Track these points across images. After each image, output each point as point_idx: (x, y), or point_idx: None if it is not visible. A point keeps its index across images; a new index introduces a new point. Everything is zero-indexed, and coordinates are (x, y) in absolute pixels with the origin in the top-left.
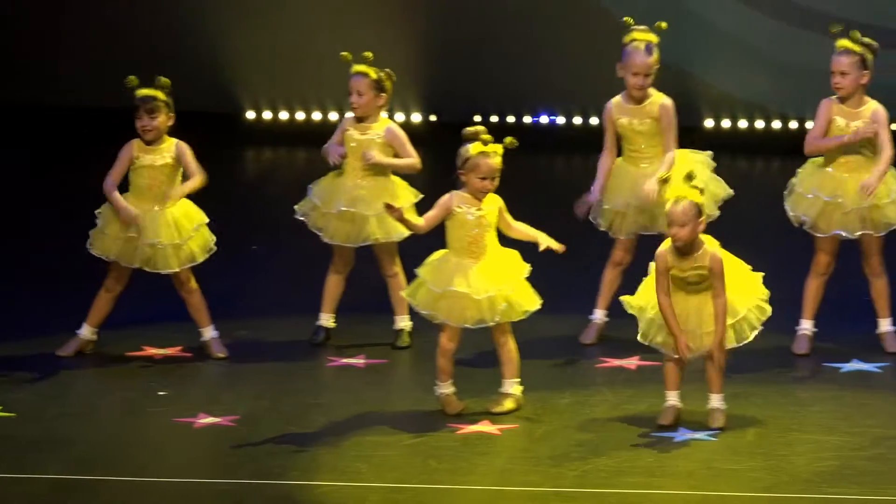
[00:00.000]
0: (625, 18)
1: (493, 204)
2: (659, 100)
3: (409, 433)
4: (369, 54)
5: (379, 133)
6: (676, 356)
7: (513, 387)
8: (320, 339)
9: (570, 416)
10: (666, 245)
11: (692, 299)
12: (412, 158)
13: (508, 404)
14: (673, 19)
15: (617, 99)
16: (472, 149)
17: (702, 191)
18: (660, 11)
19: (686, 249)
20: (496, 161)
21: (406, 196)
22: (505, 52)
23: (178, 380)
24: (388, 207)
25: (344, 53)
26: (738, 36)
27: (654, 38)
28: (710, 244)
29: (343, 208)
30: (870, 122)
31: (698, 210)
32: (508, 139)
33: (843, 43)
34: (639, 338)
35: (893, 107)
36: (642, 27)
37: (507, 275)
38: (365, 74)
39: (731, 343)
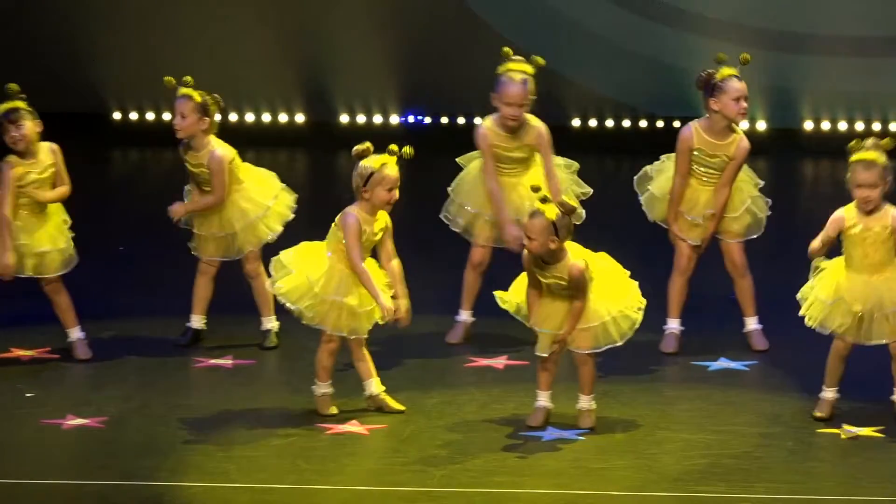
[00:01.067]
0: (504, 49)
1: (384, 220)
2: (534, 128)
3: (277, 434)
4: (189, 78)
5: (202, 162)
6: (546, 355)
7: (376, 386)
8: (188, 341)
9: (438, 415)
10: None
11: (559, 302)
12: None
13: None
14: (540, 18)
15: (490, 124)
16: (375, 163)
17: (572, 209)
18: (528, 11)
19: (546, 259)
20: (396, 169)
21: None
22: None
23: (45, 381)
24: None
25: (167, 78)
26: (606, 35)
27: (529, 69)
28: (575, 255)
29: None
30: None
31: (552, 226)
32: (406, 148)
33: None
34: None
35: (782, 110)
36: (519, 58)
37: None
38: (189, 97)
39: (592, 344)
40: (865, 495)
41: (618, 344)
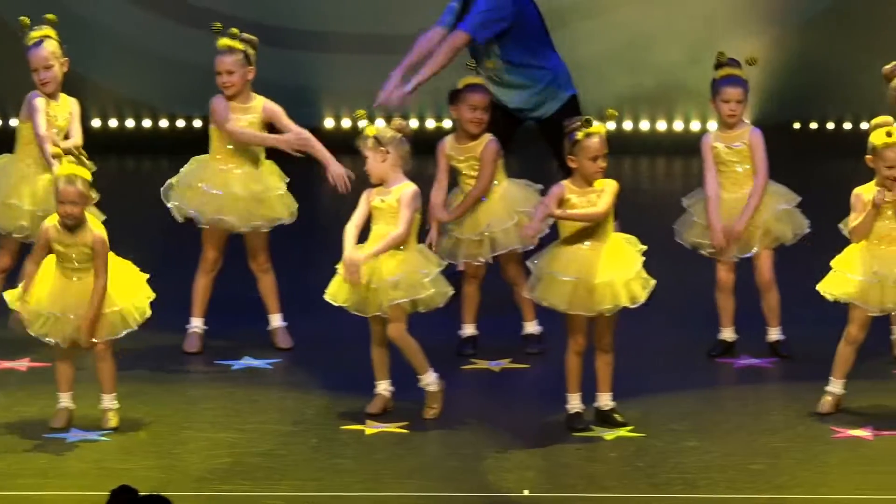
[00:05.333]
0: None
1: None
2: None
3: None
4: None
5: None
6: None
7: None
8: None
9: None
10: (52, 220)
11: (74, 285)
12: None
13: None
14: (62, 22)
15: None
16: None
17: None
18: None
19: (72, 226)
20: None
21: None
22: None
23: None
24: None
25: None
26: (120, 32)
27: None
28: (95, 224)
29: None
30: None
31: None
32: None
33: (225, 42)
34: None
35: (286, 105)
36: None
37: None
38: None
39: (108, 332)
40: (388, 491)
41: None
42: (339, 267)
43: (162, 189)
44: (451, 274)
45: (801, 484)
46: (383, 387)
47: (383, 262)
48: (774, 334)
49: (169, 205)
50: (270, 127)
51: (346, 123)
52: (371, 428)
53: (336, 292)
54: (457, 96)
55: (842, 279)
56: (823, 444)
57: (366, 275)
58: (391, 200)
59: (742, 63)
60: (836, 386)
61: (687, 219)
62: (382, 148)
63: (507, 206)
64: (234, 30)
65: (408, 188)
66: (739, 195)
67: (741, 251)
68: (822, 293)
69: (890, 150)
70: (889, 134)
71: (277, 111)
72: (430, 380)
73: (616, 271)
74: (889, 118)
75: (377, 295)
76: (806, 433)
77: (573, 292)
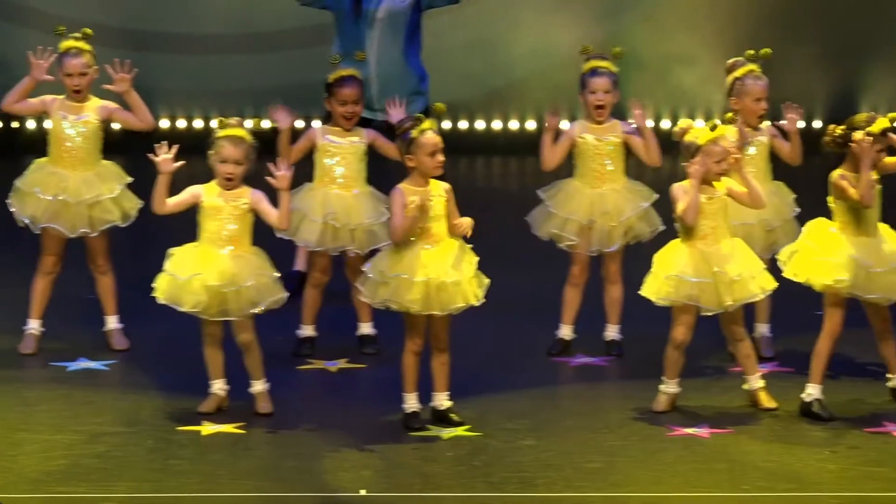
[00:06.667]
0: None
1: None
2: None
3: None
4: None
5: None
6: None
7: None
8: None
9: None
10: None
11: None
12: None
13: None
14: None
15: None
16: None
17: None
18: None
19: None
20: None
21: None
22: None
23: None
24: None
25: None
26: None
27: None
28: None
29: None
30: None
31: None
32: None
33: (70, 44)
34: None
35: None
36: None
37: None
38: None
39: None
40: (225, 491)
41: None
42: (170, 267)
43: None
44: (289, 276)
45: (638, 482)
46: (218, 386)
47: (232, 265)
48: (612, 332)
49: (11, 209)
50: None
51: (181, 124)
52: (208, 429)
53: (178, 295)
54: (329, 90)
55: (676, 282)
56: (659, 442)
57: (219, 279)
58: (240, 203)
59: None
60: (670, 385)
61: (543, 210)
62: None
63: (376, 204)
64: (87, 30)
65: (254, 190)
66: (601, 191)
67: (601, 246)
68: (652, 300)
69: (716, 144)
70: (713, 128)
71: (113, 108)
72: (262, 386)
73: (462, 270)
74: (690, 121)
75: (234, 299)
76: (642, 431)
77: (425, 293)
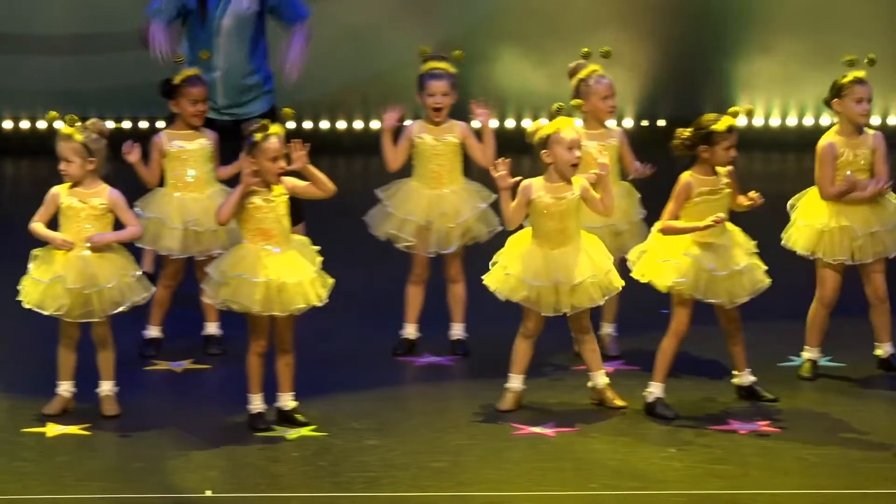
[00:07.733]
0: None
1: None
2: None
3: None
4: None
5: None
6: None
7: None
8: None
9: None
10: None
11: None
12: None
13: None
14: None
15: None
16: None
17: None
18: None
19: None
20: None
21: None
22: None
23: None
24: None
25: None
26: None
27: None
28: None
29: None
30: None
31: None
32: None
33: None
34: None
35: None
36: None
37: None
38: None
39: None
40: (70, 493)
41: None
42: (34, 271)
43: None
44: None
45: (484, 481)
46: (65, 387)
47: (92, 266)
48: (457, 331)
49: None
50: None
51: (24, 125)
52: (53, 430)
53: (41, 300)
54: (176, 90)
55: (516, 282)
56: (505, 440)
57: (79, 281)
58: (96, 202)
59: (449, 56)
60: (515, 382)
61: (381, 210)
62: (91, 155)
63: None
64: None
65: (112, 190)
66: (439, 192)
67: (439, 247)
68: (492, 291)
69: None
70: (558, 111)
71: None
72: (109, 388)
73: (303, 271)
74: (544, 120)
75: (97, 300)
76: (488, 430)
77: (265, 293)
